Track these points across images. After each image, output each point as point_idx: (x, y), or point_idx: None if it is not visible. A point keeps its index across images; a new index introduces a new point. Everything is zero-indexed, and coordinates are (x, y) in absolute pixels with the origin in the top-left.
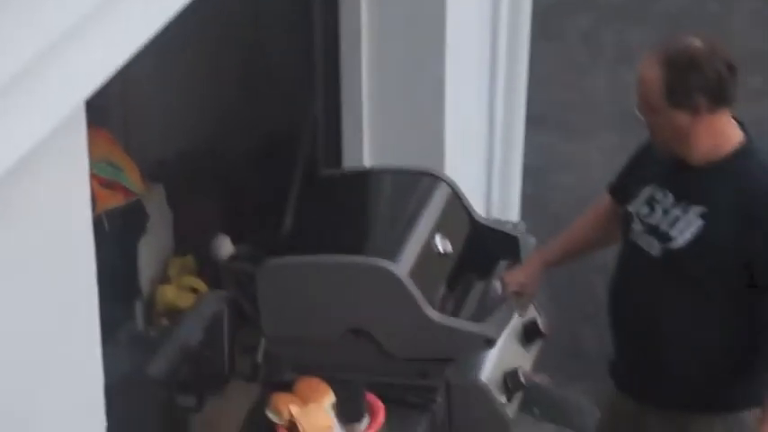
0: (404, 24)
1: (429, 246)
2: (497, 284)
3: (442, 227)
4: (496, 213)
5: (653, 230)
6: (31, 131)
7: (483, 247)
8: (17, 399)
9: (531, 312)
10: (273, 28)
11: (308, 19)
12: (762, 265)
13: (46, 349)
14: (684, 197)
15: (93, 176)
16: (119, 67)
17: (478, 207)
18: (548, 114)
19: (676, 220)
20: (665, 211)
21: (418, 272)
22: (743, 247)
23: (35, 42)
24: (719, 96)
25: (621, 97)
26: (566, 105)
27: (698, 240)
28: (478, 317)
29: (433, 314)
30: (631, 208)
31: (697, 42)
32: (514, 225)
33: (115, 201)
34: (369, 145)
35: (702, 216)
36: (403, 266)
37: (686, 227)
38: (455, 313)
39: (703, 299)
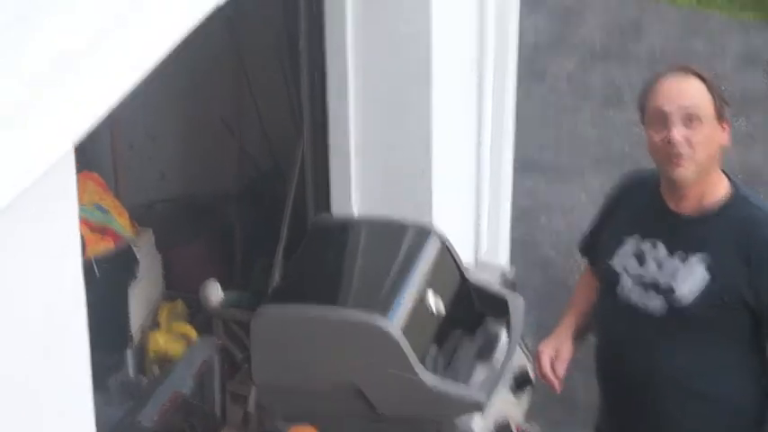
0: (390, 68)
1: (421, 303)
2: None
3: (432, 282)
4: (486, 257)
5: (649, 285)
6: (19, 176)
7: (471, 303)
8: None
9: (521, 360)
10: (261, 72)
11: (295, 63)
12: None
13: (35, 397)
14: (679, 247)
15: (82, 221)
16: (107, 112)
17: (467, 250)
18: (535, 157)
19: (676, 271)
20: (659, 263)
21: (411, 330)
22: (751, 291)
23: (23, 86)
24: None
25: (609, 138)
26: (553, 147)
27: (704, 289)
28: (466, 377)
29: (426, 376)
30: (615, 263)
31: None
32: (503, 270)
33: (105, 245)
34: (357, 188)
35: (705, 264)
36: (397, 324)
37: (689, 276)
38: (443, 373)
39: (713, 348)
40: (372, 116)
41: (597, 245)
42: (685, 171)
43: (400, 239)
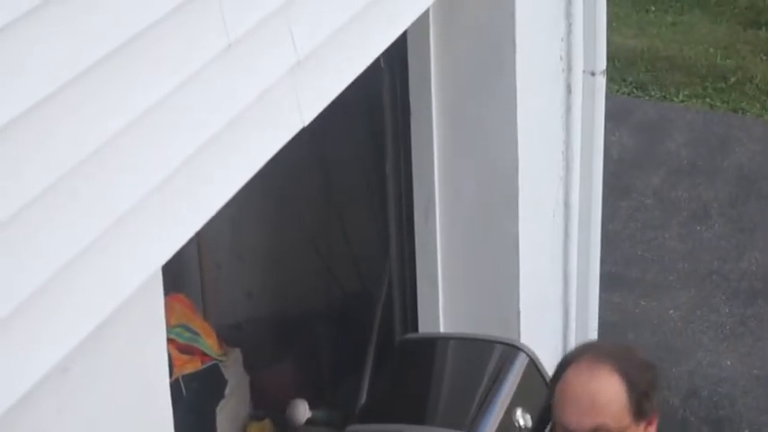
0: (477, 185)
1: (509, 419)
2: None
3: (520, 398)
4: None
5: None
6: (108, 298)
7: None
8: None
9: None
10: (347, 193)
11: (382, 185)
12: None
13: None
14: None
15: (170, 341)
16: (194, 234)
17: (555, 365)
18: (622, 272)
19: None
20: None
21: None
22: None
23: (111, 210)
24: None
25: (696, 253)
26: (640, 263)
27: None
28: None
29: None
30: None
31: (634, 348)
32: None
33: (192, 365)
34: (444, 308)
35: None
36: None
37: None
38: None
39: None
40: (459, 238)
41: None
42: None
43: (488, 356)
